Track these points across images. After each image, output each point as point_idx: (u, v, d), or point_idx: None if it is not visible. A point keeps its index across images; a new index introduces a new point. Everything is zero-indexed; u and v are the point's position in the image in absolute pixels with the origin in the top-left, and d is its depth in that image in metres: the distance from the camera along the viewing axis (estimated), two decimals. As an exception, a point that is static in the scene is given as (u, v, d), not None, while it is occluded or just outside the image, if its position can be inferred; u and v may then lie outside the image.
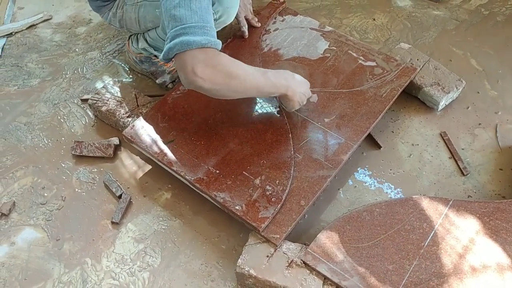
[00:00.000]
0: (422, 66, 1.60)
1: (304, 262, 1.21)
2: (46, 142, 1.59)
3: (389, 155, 1.50)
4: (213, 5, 1.41)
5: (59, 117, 1.65)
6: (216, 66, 1.17)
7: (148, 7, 1.48)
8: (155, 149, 1.41)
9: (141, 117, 1.48)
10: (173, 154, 1.39)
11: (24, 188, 1.48)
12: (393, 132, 1.56)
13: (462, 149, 1.51)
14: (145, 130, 1.45)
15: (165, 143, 1.42)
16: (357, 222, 1.27)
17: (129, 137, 1.44)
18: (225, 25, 1.50)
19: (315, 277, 1.19)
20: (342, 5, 1.99)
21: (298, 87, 1.36)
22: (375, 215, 1.28)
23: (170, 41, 1.14)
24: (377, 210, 1.29)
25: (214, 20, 1.47)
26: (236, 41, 1.68)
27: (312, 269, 1.20)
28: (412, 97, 1.62)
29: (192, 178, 1.35)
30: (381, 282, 1.16)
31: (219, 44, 1.18)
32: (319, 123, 1.46)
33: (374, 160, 1.49)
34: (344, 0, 2.01)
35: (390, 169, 1.47)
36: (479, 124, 1.56)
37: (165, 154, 1.40)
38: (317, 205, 1.40)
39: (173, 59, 1.17)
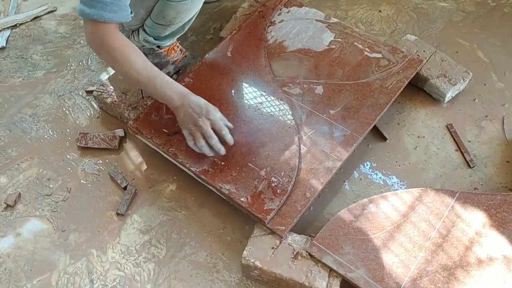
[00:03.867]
0: (429, 58, 1.59)
1: (309, 254, 1.21)
2: (51, 133, 1.59)
3: (395, 147, 1.49)
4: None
5: (64, 109, 1.65)
6: (101, 44, 1.26)
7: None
8: (160, 140, 1.41)
9: (146, 109, 1.48)
10: (178, 146, 1.39)
11: (30, 180, 1.48)
12: (399, 124, 1.55)
13: (469, 141, 1.50)
14: (150, 122, 1.44)
15: (170, 134, 1.41)
16: (363, 214, 1.26)
17: (134, 129, 1.44)
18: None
19: (321, 269, 1.19)
20: (347, -4, 1.98)
21: (187, 98, 1.30)
22: (381, 207, 1.27)
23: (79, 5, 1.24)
24: (383, 202, 1.28)
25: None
26: (241, 32, 1.67)
27: (317, 261, 1.20)
28: (418, 89, 1.61)
29: (197, 170, 1.34)
30: (387, 274, 1.16)
31: (110, 18, 1.22)
32: (325, 115, 1.45)
33: (380, 152, 1.49)
34: (349, -8, 1.99)
35: (396, 161, 1.46)
36: (486, 116, 1.55)
37: (170, 146, 1.39)
38: (322, 197, 1.39)
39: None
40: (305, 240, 1.25)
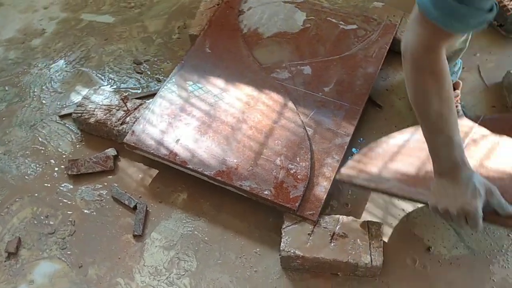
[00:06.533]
0: (400, 21, 1.63)
1: (340, 180, 1.25)
2: (35, 167, 1.46)
3: (390, 113, 1.53)
4: None
5: (40, 139, 1.52)
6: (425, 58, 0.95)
7: None
8: (164, 151, 1.34)
9: (139, 121, 1.40)
10: (184, 152, 1.33)
11: (26, 221, 1.35)
12: (387, 90, 1.58)
13: (455, 93, 1.56)
14: (147, 134, 1.37)
15: (171, 142, 1.35)
16: (382, 147, 1.28)
17: (132, 144, 1.35)
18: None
19: (360, 243, 1.19)
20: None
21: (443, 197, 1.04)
22: (399, 140, 1.29)
23: None
24: (399, 136, 1.30)
25: None
26: (213, 26, 1.62)
27: (349, 185, 1.25)
28: (395, 53, 1.64)
29: (212, 173, 1.29)
30: (419, 178, 1.17)
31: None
32: (320, 93, 1.45)
33: (378, 120, 1.51)
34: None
35: (395, 126, 1.49)
36: (463, 68, 1.62)
37: (176, 154, 1.33)
38: (336, 174, 1.39)
39: None
40: (336, 219, 1.24)
